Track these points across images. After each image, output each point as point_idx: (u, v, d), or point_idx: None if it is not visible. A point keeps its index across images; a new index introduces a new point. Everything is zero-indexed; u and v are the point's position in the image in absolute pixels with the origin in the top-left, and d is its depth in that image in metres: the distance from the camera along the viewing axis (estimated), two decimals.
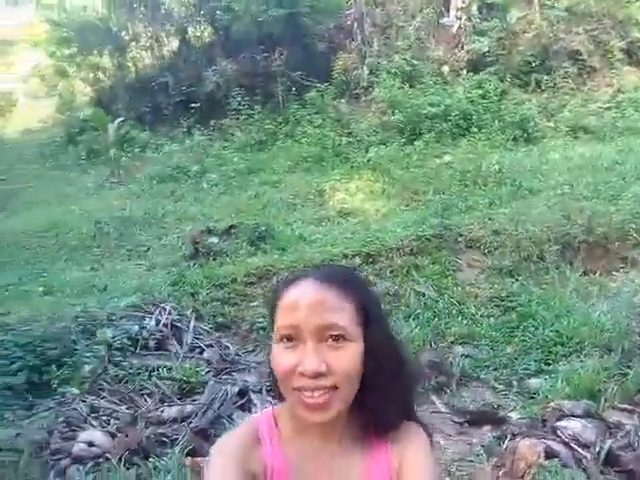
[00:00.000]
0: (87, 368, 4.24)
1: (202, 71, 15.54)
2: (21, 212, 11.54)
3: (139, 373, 4.38)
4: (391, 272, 6.37)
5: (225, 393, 3.69)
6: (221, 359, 4.74)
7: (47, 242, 9.48)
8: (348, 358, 0.97)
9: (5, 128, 16.89)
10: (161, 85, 15.79)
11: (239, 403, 3.77)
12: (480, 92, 13.26)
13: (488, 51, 14.29)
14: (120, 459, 3.00)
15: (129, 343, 4.88)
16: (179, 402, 3.79)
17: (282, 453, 1.05)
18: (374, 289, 1.14)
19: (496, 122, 12.52)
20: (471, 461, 3.48)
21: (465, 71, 14.46)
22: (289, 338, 0.98)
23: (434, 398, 4.01)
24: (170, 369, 4.46)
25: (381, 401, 1.03)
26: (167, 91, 15.70)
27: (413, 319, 5.35)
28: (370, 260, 6.54)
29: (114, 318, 5.24)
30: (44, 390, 4.47)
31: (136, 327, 5.05)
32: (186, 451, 3.25)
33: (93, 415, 3.66)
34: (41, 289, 6.86)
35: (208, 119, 14.79)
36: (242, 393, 3.85)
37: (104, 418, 3.62)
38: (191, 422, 3.48)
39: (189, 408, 3.63)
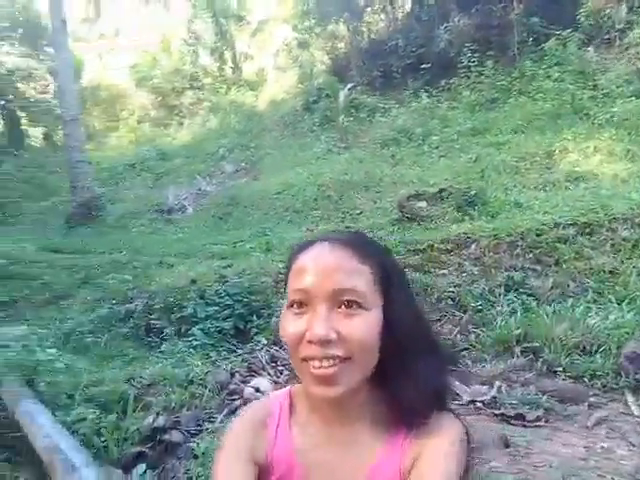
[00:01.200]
0: (273, 320, 4.64)
1: (434, 29, 15.20)
2: (262, 176, 12.93)
3: None
4: (612, 246, 5.52)
5: None
6: None
7: (277, 204, 10.50)
8: (362, 326, 0.87)
9: (257, 100, 18.93)
10: (392, 48, 15.87)
11: None
12: None
13: None
14: None
15: None
16: None
17: (288, 439, 0.99)
18: (396, 259, 1.00)
19: None
20: None
21: None
22: (300, 304, 0.90)
23: (628, 397, 3.39)
24: None
25: (402, 382, 0.92)
26: (398, 53, 15.76)
27: (627, 303, 4.58)
28: (587, 231, 5.74)
29: None
30: (245, 337, 5.05)
31: None
32: None
33: (272, 364, 4.02)
34: (262, 247, 7.66)
35: (438, 79, 14.46)
36: None
37: (280, 368, 3.95)
38: None
39: None
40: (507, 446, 2.74)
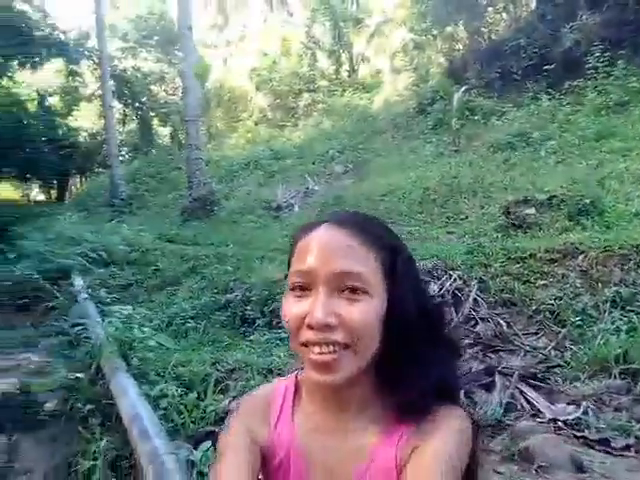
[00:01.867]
0: None
1: (560, 28, 14.34)
2: (369, 178, 12.94)
3: None
4: None
5: (469, 369, 3.53)
6: (493, 335, 4.51)
7: (382, 206, 10.45)
8: (364, 312, 0.83)
9: (371, 103, 18.99)
10: (514, 48, 15.18)
11: (483, 382, 3.55)
12: None
13: None
14: None
15: None
16: None
17: (290, 423, 0.98)
18: (405, 244, 0.96)
19: None
20: None
21: None
22: (301, 287, 0.87)
23: None
24: None
25: (404, 374, 0.88)
26: (519, 54, 15.05)
27: None
28: None
29: None
30: None
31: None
32: None
33: None
34: None
35: (561, 81, 13.59)
36: (489, 372, 3.61)
37: None
38: None
39: None
40: (582, 471, 2.51)
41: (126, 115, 25.15)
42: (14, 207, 18.42)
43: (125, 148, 25.54)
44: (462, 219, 8.84)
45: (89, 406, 3.58)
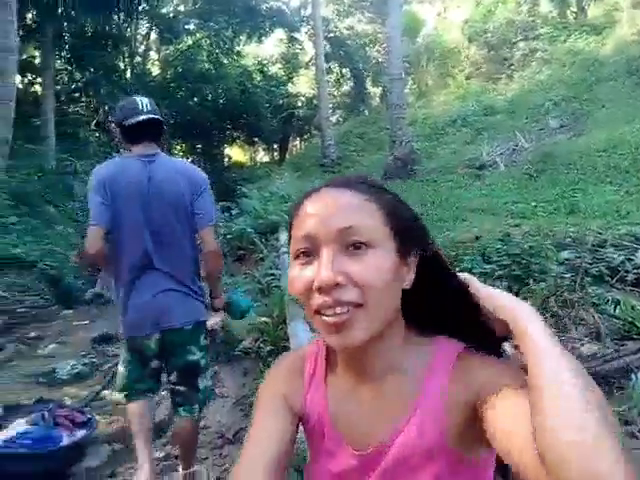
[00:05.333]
0: (542, 285, 4.30)
1: None
2: (588, 132, 11.61)
3: (597, 303, 4.09)
4: None
5: None
6: None
7: (599, 163, 9.36)
8: (372, 267, 0.79)
9: (601, 45, 16.75)
10: None
11: None
12: None
13: None
14: None
15: (607, 272, 4.57)
16: (612, 341, 3.40)
17: (321, 387, 0.97)
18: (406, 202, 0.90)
19: None
20: None
21: None
22: (305, 253, 0.83)
23: None
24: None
25: (444, 320, 0.88)
26: None
27: None
28: None
29: (604, 245, 4.95)
30: None
31: (621, 258, 4.63)
32: None
33: None
34: (566, 209, 7.02)
35: None
36: None
37: None
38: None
39: (595, 348, 3.23)
40: None
41: (342, 76, 26.16)
42: (242, 169, 20.69)
43: (339, 111, 26.68)
44: None
45: (270, 347, 4.00)
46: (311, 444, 0.99)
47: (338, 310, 0.78)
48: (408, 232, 0.84)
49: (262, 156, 29.60)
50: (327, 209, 0.82)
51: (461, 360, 0.85)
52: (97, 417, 3.60)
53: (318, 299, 0.79)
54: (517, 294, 4.83)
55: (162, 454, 3.19)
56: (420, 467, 0.83)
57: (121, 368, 2.60)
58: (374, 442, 0.87)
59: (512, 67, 19.72)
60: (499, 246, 5.51)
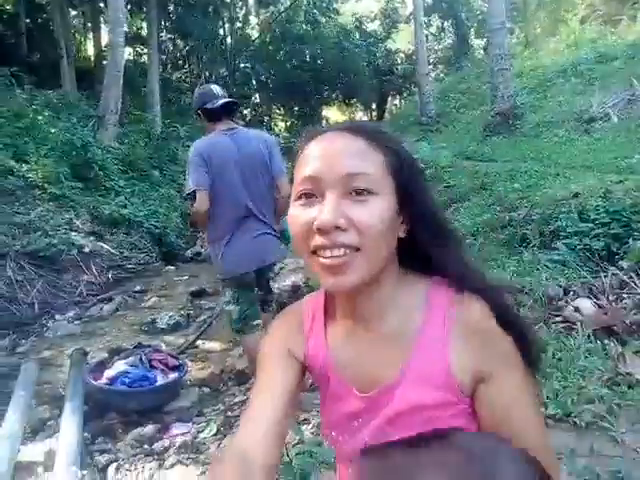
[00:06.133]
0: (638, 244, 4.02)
1: None
2: None
3: None
4: None
5: None
6: None
7: None
8: (374, 213, 0.81)
9: None
10: None
11: None
12: None
13: None
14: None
15: None
16: None
17: (322, 336, 0.99)
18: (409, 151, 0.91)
19: None
20: None
21: None
22: (307, 194, 0.85)
23: None
24: None
25: (440, 259, 0.89)
26: None
27: None
28: None
29: None
30: (613, 259, 4.51)
31: None
32: None
33: (616, 289, 3.55)
34: None
35: None
36: None
37: (624, 295, 3.43)
38: None
39: None
40: None
41: (443, 30, 25.09)
42: None
43: (440, 66, 25.69)
44: None
45: None
46: (320, 389, 1.02)
47: (335, 252, 0.81)
48: (410, 184, 0.86)
49: (360, 116, 29.36)
50: (334, 153, 0.84)
51: (459, 294, 0.87)
52: (189, 363, 3.92)
53: (317, 240, 0.82)
54: (616, 253, 4.54)
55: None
56: (430, 406, 0.85)
57: (232, 307, 3.12)
58: (378, 384, 0.89)
59: (635, 5, 17.81)
60: (599, 203, 5.18)
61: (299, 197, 0.86)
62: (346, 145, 0.84)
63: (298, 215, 0.85)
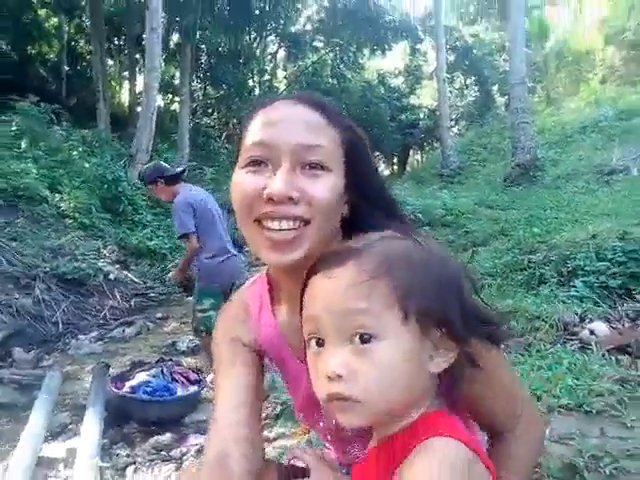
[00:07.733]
0: None
1: None
2: None
3: None
4: None
5: None
6: None
7: None
8: (327, 188, 0.81)
9: None
10: None
11: None
12: None
13: None
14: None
15: None
16: None
17: (271, 316, 0.99)
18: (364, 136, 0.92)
19: None
20: None
21: None
22: (257, 161, 0.81)
23: None
24: None
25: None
26: None
27: None
28: None
29: None
30: (630, 297, 4.53)
31: None
32: None
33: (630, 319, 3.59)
34: None
35: None
36: None
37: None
38: None
39: None
40: None
41: (466, 87, 25.70)
42: None
43: (462, 122, 26.19)
44: None
45: None
46: (282, 375, 1.04)
47: (285, 225, 0.79)
48: (360, 161, 0.88)
49: (382, 169, 29.78)
50: (289, 121, 0.82)
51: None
52: (209, 378, 3.97)
53: (265, 207, 0.79)
54: (632, 290, 4.56)
55: None
56: None
57: (214, 312, 3.57)
58: None
59: None
60: (616, 243, 5.24)
61: (247, 164, 0.83)
62: (302, 115, 0.83)
63: (245, 181, 0.82)
